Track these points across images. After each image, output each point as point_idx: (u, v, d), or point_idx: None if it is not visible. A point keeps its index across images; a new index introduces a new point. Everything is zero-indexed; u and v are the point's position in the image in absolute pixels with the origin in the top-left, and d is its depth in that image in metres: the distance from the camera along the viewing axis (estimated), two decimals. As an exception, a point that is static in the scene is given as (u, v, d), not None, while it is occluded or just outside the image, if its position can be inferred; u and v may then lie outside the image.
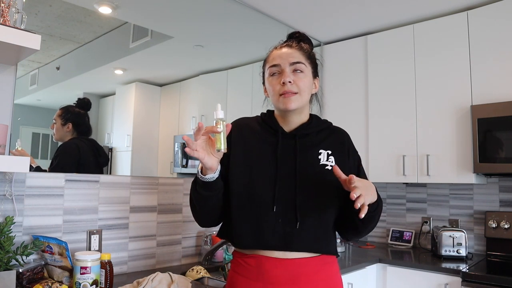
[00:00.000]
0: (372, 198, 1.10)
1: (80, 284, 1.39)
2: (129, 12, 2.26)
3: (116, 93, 2.27)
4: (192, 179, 1.20)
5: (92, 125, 2.05)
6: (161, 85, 2.52)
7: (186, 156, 2.51)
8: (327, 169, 1.22)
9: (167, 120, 2.51)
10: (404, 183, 2.96)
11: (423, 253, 2.64)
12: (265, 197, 1.18)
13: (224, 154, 1.24)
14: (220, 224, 1.29)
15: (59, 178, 1.68)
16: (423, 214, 2.91)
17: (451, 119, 2.51)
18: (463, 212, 2.73)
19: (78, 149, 1.94)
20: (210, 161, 1.08)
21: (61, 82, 2.04)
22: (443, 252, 2.43)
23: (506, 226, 2.44)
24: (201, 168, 1.12)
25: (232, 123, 1.32)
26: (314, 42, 1.35)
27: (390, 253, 2.62)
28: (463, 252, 2.40)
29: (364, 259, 2.39)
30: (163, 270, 1.68)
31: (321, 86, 1.35)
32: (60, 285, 1.41)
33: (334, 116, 2.76)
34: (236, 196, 1.20)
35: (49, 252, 1.51)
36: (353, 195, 1.01)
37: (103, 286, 1.52)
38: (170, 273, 1.62)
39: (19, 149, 1.69)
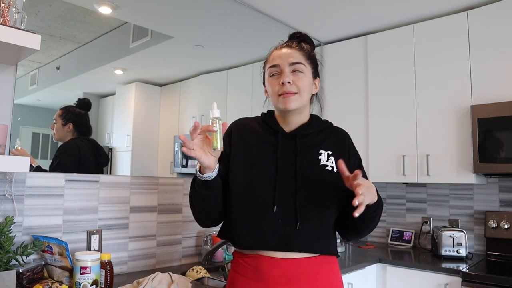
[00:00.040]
0: (373, 198, 1.10)
1: (80, 284, 1.39)
2: (129, 12, 2.26)
3: (116, 93, 2.27)
4: (192, 179, 1.20)
5: (92, 125, 2.05)
6: (161, 85, 2.52)
7: (186, 156, 2.51)
8: (327, 169, 1.22)
9: (167, 120, 2.51)
10: (404, 183, 2.96)
11: (423, 253, 2.64)
12: (265, 197, 1.18)
13: (225, 154, 1.25)
14: (221, 224, 1.29)
15: (59, 178, 1.68)
16: (423, 214, 2.91)
17: (451, 119, 2.51)
18: (463, 212, 2.73)
19: (79, 149, 1.94)
20: (207, 160, 1.08)
21: (61, 82, 2.04)
22: (443, 252, 2.43)
23: (506, 226, 2.44)
24: (200, 167, 1.12)
25: (232, 123, 1.32)
26: (314, 42, 1.35)
27: (390, 253, 2.62)
28: (463, 252, 2.40)
29: (364, 259, 2.39)
30: (163, 270, 1.68)
31: (321, 86, 1.35)
32: (60, 285, 1.41)
33: (334, 116, 2.76)
34: (236, 196, 1.20)
35: (49, 252, 1.51)
36: (355, 202, 1.00)
37: (103, 286, 1.52)
38: (170, 273, 1.62)
39: (19, 148, 1.69)
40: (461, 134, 2.46)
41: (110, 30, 2.15)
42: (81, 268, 1.39)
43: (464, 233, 2.43)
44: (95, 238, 1.76)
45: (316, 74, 1.29)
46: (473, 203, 2.70)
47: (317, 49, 1.52)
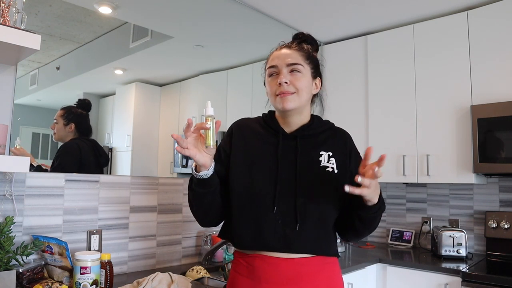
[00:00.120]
0: (374, 196, 1.10)
1: (80, 284, 1.39)
2: (129, 12, 2.26)
3: (116, 93, 2.27)
4: (189, 177, 1.20)
5: (92, 125, 2.05)
6: (161, 85, 2.52)
7: (186, 156, 2.50)
8: (328, 170, 1.22)
9: (167, 120, 2.51)
10: (404, 183, 2.96)
11: (423, 253, 2.64)
12: (265, 198, 1.18)
13: (225, 154, 1.25)
14: (221, 224, 1.29)
15: (59, 178, 1.68)
16: (423, 214, 2.91)
17: (451, 119, 2.51)
18: (463, 212, 2.73)
19: (79, 149, 1.94)
20: (202, 158, 1.08)
21: (61, 82, 2.04)
22: (443, 252, 2.43)
23: (506, 226, 2.44)
24: (195, 166, 1.12)
25: (233, 124, 1.33)
26: (317, 43, 1.35)
27: (390, 253, 2.62)
28: (463, 252, 2.40)
29: (364, 259, 2.39)
30: (163, 270, 1.68)
31: (322, 86, 1.35)
32: (60, 285, 1.41)
33: (334, 116, 2.75)
34: (236, 196, 1.20)
35: (49, 252, 1.51)
36: (357, 178, 1.02)
37: (103, 286, 1.52)
38: (170, 273, 1.62)
39: (18, 147, 1.69)
40: (461, 134, 2.46)
41: (110, 30, 2.15)
42: (81, 268, 1.39)
43: (464, 233, 2.43)
44: (95, 238, 1.76)
45: (316, 74, 1.29)
46: (473, 203, 2.70)
47: (317, 49, 1.51)
